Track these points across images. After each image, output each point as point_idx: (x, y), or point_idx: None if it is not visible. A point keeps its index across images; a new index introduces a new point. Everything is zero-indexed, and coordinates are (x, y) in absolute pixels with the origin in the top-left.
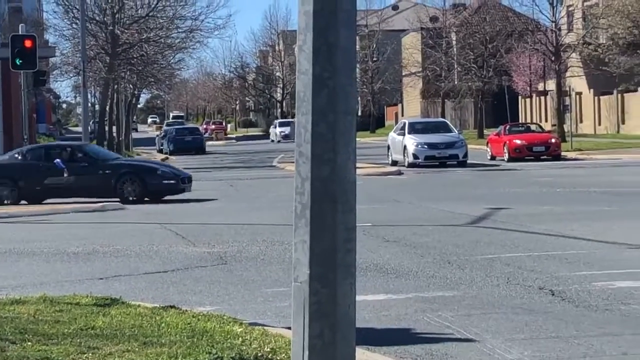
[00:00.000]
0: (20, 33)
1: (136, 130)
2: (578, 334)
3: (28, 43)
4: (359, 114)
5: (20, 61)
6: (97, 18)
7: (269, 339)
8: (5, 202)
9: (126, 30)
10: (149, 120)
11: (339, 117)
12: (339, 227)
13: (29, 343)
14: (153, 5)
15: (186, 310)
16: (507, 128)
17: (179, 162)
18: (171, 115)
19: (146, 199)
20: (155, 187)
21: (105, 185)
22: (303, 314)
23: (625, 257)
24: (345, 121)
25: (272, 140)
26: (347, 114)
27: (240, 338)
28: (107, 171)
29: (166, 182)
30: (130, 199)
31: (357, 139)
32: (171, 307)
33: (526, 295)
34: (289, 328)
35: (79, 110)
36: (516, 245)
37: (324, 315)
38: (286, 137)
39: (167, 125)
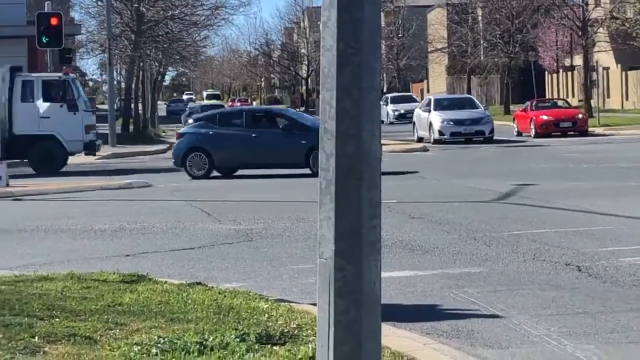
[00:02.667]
0: (46, 11)
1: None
2: (605, 310)
3: (54, 21)
4: (384, 90)
5: (47, 39)
6: None
7: (295, 315)
8: None
9: (151, 8)
10: (185, 97)
11: (363, 93)
12: (364, 203)
13: (57, 319)
14: None
15: (212, 287)
16: (533, 104)
17: None
18: (205, 93)
19: None
20: None
21: None
22: (328, 290)
23: None
24: (370, 97)
25: (383, 121)
26: (371, 90)
27: (266, 314)
28: None
29: None
30: None
31: None
32: (197, 283)
33: (553, 271)
34: (315, 304)
35: (105, 88)
36: (543, 221)
37: (349, 292)
38: (402, 117)
39: (171, 102)
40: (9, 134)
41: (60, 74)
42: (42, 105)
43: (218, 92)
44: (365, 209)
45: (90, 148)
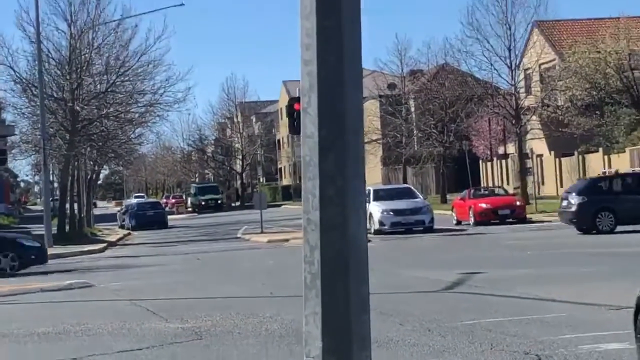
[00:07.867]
0: None
1: (95, 206)
2: None
3: None
4: None
5: None
6: (56, 95)
7: None
8: None
9: (85, 107)
10: (134, 200)
11: (348, 181)
12: (353, 297)
13: None
14: (112, 81)
15: None
16: (471, 192)
17: (142, 238)
18: (133, 196)
19: None
20: None
21: None
22: None
23: (608, 319)
24: (354, 185)
25: None
26: (356, 178)
27: None
28: None
29: None
30: None
31: None
32: None
33: None
34: None
35: (37, 188)
36: (495, 310)
37: None
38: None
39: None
40: None
41: None
42: None
43: (143, 194)
44: (354, 303)
45: None
